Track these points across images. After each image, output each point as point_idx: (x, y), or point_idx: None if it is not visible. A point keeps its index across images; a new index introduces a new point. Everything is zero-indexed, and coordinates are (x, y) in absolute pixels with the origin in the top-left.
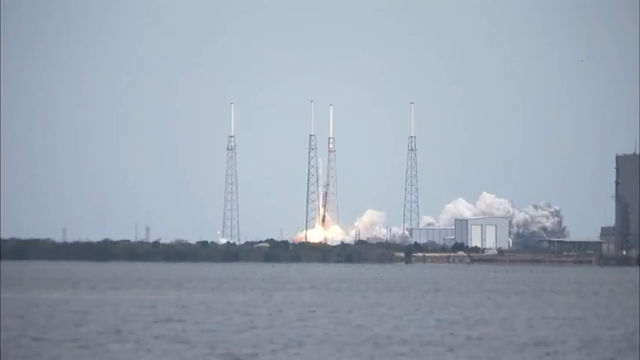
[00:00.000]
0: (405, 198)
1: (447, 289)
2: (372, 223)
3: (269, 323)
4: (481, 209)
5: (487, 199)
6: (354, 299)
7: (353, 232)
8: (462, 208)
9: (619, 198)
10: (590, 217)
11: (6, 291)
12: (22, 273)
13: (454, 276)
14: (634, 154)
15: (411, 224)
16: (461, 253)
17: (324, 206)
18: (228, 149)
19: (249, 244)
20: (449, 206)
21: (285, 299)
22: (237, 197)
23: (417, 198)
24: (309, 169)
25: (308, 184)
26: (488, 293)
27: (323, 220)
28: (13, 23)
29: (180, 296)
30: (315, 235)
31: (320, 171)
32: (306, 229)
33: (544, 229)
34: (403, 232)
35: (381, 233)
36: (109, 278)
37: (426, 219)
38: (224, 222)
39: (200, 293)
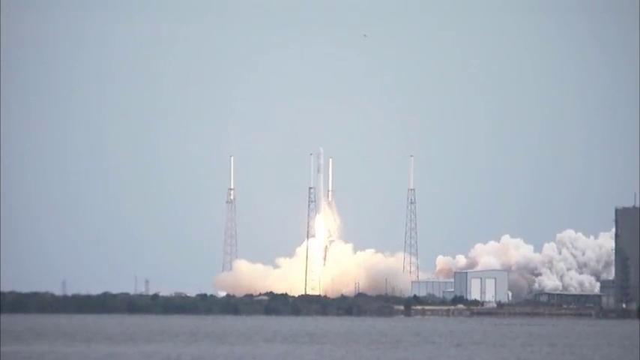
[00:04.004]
0: (405, 250)
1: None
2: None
3: None
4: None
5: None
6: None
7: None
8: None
9: (619, 251)
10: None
11: (14, 344)
12: (23, 326)
13: (474, 330)
14: (634, 207)
15: (410, 276)
16: (460, 306)
17: (324, 258)
18: (227, 202)
19: (248, 297)
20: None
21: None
22: (236, 250)
23: (417, 251)
24: (308, 222)
25: (307, 236)
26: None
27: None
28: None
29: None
30: (316, 286)
31: (321, 183)
32: (306, 281)
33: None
34: (403, 285)
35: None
36: (135, 331)
37: (458, 259)
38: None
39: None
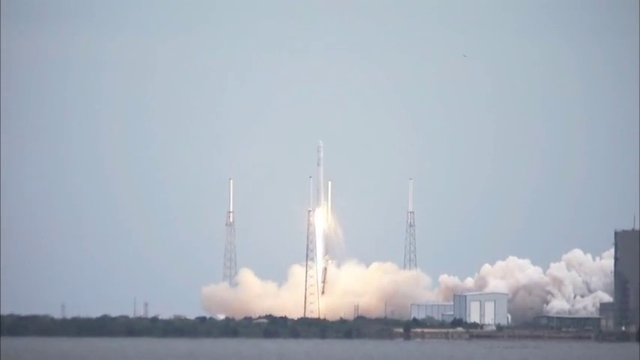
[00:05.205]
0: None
1: None
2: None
3: None
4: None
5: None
6: None
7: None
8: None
9: (618, 274)
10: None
11: None
12: (23, 349)
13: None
14: (633, 229)
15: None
16: (459, 329)
17: (324, 282)
18: (226, 224)
19: (247, 320)
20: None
21: None
22: (235, 273)
23: (416, 273)
24: (307, 244)
25: (306, 259)
26: None
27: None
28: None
29: None
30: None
31: (321, 184)
32: (305, 304)
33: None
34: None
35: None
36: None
37: (469, 281)
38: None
39: None
